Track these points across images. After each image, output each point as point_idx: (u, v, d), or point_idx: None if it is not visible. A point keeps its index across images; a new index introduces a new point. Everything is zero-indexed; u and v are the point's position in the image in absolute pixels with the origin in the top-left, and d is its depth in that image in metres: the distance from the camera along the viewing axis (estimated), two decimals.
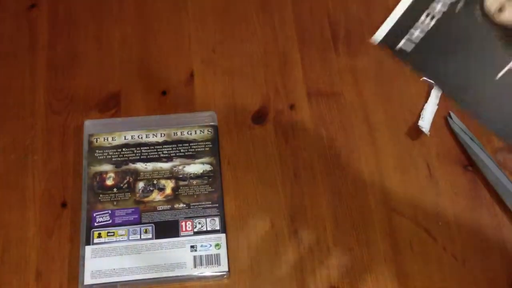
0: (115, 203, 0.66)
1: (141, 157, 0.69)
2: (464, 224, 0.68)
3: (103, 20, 0.80)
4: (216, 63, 0.77)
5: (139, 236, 0.65)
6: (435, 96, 0.73)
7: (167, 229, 0.65)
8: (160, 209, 0.66)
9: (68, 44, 0.78)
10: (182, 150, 0.70)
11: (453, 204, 0.69)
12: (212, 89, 0.76)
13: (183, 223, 0.66)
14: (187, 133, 0.70)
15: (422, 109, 0.73)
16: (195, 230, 0.65)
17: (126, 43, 0.78)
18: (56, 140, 0.72)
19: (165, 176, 0.68)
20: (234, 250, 0.66)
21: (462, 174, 0.71)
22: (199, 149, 0.70)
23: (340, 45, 0.79)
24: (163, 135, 0.70)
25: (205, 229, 0.65)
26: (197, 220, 0.66)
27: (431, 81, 0.46)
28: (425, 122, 0.72)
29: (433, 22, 0.46)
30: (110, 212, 0.66)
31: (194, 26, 0.80)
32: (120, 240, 0.65)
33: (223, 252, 0.64)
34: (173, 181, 0.68)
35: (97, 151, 0.69)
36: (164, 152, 0.69)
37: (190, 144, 0.70)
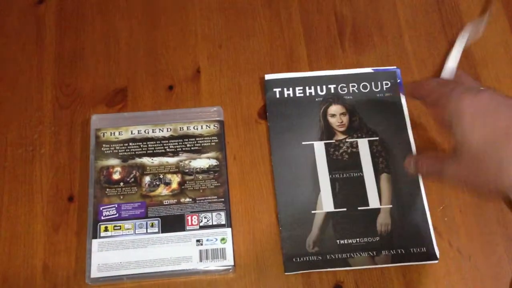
0: (121, 197, 0.67)
1: (148, 151, 0.70)
2: (470, 219, 0.68)
3: (110, 15, 0.80)
4: (222, 58, 0.78)
5: (145, 230, 0.65)
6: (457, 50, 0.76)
7: (173, 223, 0.66)
8: (166, 203, 0.67)
9: (76, 39, 0.78)
10: (188, 145, 0.70)
11: (458, 199, 0.69)
12: (219, 84, 0.76)
13: (189, 217, 0.66)
14: (194, 128, 0.71)
15: None
16: (201, 224, 0.66)
17: (133, 38, 0.79)
18: (63, 135, 0.72)
19: (171, 170, 0.69)
20: (240, 245, 0.67)
21: None
22: (205, 144, 0.70)
23: (347, 41, 0.79)
24: (169, 129, 0.71)
25: (210, 224, 0.66)
26: (203, 215, 0.66)
27: None
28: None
29: None
30: (116, 206, 0.66)
31: (201, 21, 0.80)
32: (126, 234, 0.65)
33: (228, 246, 0.65)
34: (179, 175, 0.68)
35: (104, 145, 0.70)
36: (170, 146, 0.70)
37: (197, 139, 0.70)
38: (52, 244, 0.67)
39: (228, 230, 0.66)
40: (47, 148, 0.72)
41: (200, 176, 0.68)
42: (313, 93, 0.74)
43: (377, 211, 0.68)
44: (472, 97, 0.51)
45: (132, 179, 0.68)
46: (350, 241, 0.66)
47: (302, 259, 0.65)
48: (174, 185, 0.68)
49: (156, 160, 0.69)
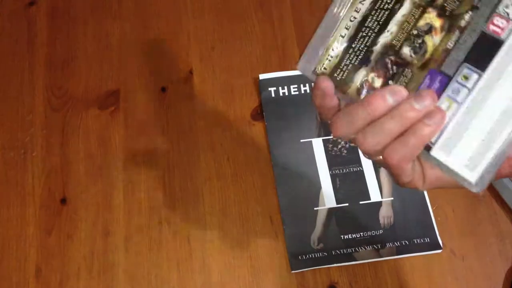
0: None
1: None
2: (463, 220, 0.69)
3: (102, 17, 0.80)
4: (215, 60, 0.77)
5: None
6: None
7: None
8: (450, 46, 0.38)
9: (67, 42, 0.78)
10: None
11: (452, 200, 0.69)
12: (211, 86, 0.76)
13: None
14: None
15: None
16: None
17: (125, 40, 0.78)
18: (55, 137, 0.72)
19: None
20: None
21: None
22: None
23: None
24: None
25: None
26: None
27: None
28: None
29: None
30: None
31: (193, 23, 0.80)
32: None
33: None
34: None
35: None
36: None
37: None
38: (44, 247, 0.66)
39: None
40: (39, 151, 0.71)
41: None
42: (308, 90, 0.74)
43: (378, 204, 0.68)
44: None
45: (393, 66, 0.42)
46: (354, 235, 0.67)
47: (307, 256, 0.65)
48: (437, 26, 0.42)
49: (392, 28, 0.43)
